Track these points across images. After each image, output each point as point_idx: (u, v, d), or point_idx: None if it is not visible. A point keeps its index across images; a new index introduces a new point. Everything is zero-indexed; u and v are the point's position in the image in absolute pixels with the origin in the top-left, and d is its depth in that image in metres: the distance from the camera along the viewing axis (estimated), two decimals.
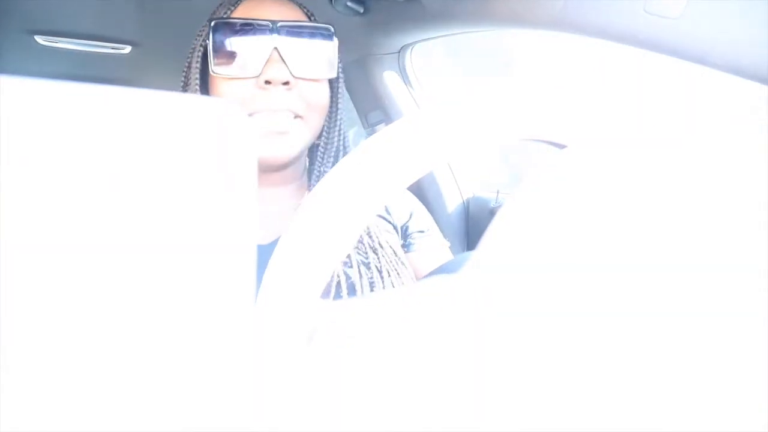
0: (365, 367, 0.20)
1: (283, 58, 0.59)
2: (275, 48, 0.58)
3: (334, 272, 0.22)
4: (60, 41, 1.22)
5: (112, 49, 1.29)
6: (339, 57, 0.65)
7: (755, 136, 0.21)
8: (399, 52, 1.21)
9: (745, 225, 0.18)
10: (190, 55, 0.65)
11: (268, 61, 0.58)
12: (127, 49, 1.30)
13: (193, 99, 0.18)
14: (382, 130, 0.23)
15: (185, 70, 0.66)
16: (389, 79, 1.24)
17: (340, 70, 0.67)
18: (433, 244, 0.72)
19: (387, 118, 1.27)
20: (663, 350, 0.17)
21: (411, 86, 1.26)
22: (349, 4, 0.99)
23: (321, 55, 0.62)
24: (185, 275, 0.18)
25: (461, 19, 0.94)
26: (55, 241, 0.16)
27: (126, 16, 1.13)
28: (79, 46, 1.26)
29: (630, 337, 0.17)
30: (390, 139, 0.23)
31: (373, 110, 1.29)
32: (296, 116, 0.60)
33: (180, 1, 1.03)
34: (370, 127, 1.32)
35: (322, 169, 0.66)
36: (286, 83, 0.59)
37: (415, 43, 1.17)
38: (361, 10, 1.02)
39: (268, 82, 0.58)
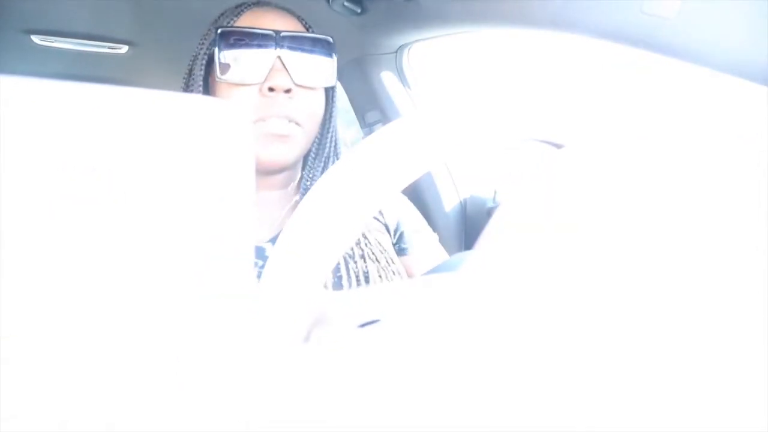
0: (362, 365, 0.20)
1: (286, 66, 0.61)
2: (278, 57, 0.61)
3: None
4: (56, 41, 1.22)
5: (109, 48, 1.29)
6: (336, 59, 0.66)
7: (752, 136, 0.21)
8: (396, 52, 1.21)
9: (743, 225, 0.18)
10: (191, 62, 0.66)
11: (271, 69, 0.61)
12: (124, 48, 1.30)
13: (192, 99, 0.18)
14: (380, 129, 0.23)
15: (185, 76, 0.67)
16: (387, 79, 1.24)
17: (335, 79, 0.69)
18: (428, 243, 0.73)
19: (384, 118, 1.27)
20: (662, 350, 0.17)
21: (408, 86, 1.26)
22: (346, 4, 0.99)
23: (320, 65, 0.64)
24: (183, 275, 0.18)
25: (458, 20, 0.94)
26: (52, 242, 0.16)
27: (123, 15, 1.13)
28: (75, 45, 1.25)
29: (629, 336, 0.18)
30: (387, 139, 0.23)
31: (371, 110, 1.29)
32: (296, 123, 0.63)
33: (177, 1, 1.03)
34: (367, 126, 1.32)
35: (311, 176, 0.68)
36: (288, 91, 0.61)
37: (413, 43, 1.17)
38: (359, 10, 1.02)
39: (271, 89, 0.60)
